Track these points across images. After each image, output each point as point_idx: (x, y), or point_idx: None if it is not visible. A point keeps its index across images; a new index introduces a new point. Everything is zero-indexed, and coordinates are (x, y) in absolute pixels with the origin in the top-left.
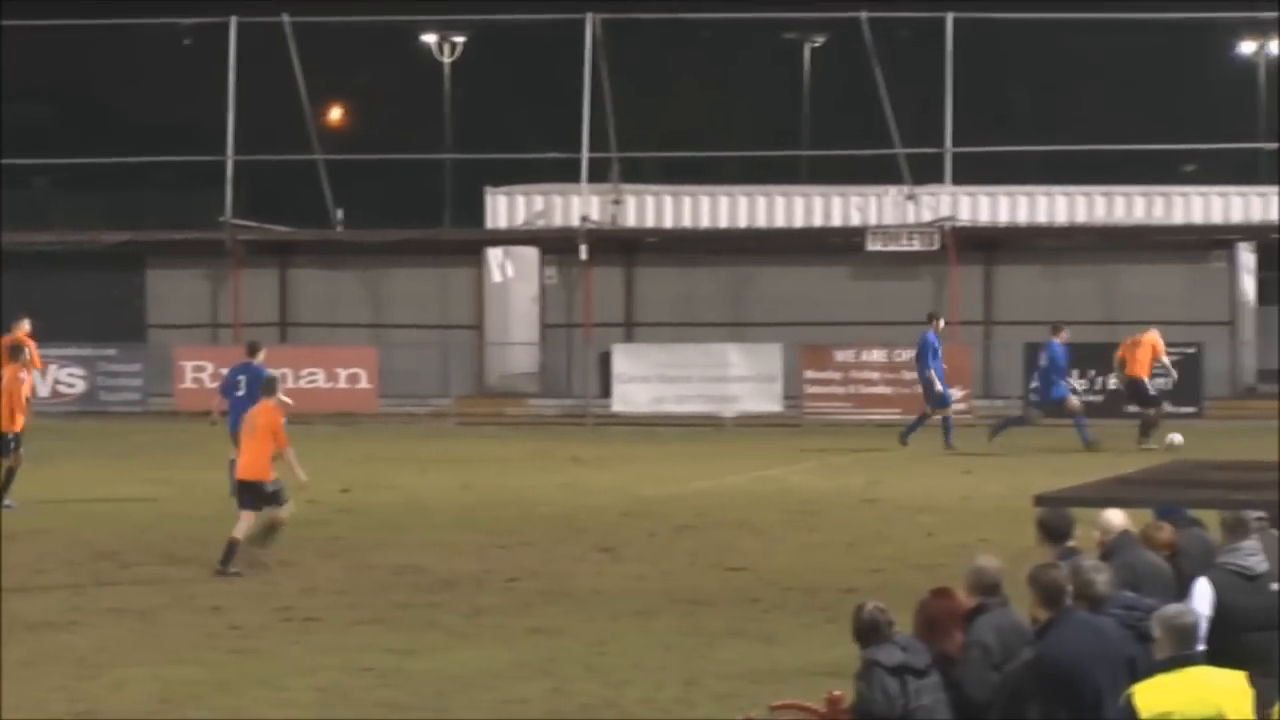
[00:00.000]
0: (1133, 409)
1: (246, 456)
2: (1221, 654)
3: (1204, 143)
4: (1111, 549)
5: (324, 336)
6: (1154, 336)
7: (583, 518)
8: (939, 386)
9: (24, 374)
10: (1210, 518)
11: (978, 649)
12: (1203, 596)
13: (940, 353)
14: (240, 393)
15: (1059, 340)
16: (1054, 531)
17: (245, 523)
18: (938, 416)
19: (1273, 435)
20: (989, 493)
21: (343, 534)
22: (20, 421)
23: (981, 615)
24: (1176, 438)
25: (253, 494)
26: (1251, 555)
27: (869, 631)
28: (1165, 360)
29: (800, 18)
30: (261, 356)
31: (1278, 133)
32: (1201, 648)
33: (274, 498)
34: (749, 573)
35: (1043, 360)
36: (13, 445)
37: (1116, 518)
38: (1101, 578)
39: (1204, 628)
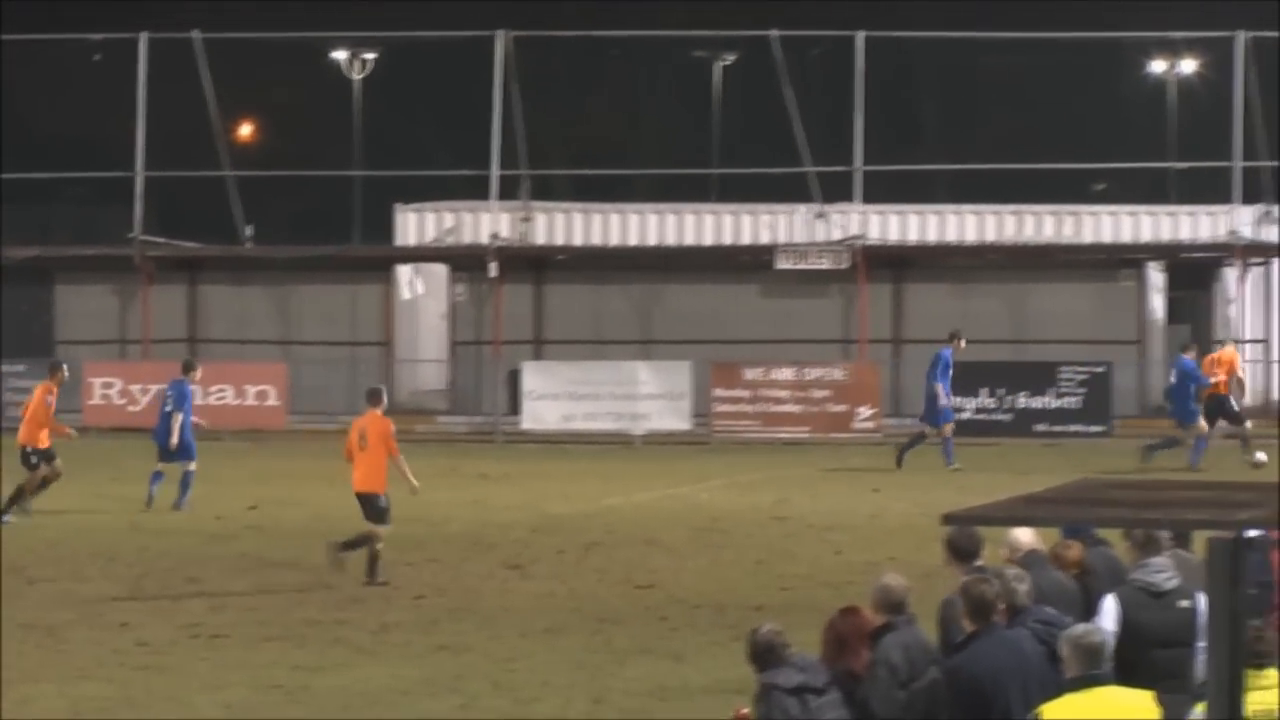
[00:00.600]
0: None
1: (362, 469)
2: (1130, 670)
3: (1114, 162)
4: (1019, 567)
5: (233, 353)
6: (1232, 352)
7: (491, 534)
8: (943, 401)
9: (51, 395)
10: (1114, 536)
11: (885, 667)
12: (1109, 613)
13: (950, 371)
14: (168, 408)
15: (1189, 356)
16: (962, 551)
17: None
18: (939, 435)
19: (1181, 454)
20: (897, 511)
21: (251, 550)
22: (45, 437)
23: (888, 633)
24: (1261, 456)
25: (368, 506)
26: (1159, 572)
27: (765, 654)
28: (1241, 376)
29: (711, 36)
30: (194, 375)
31: (1188, 152)
32: (1109, 666)
33: (384, 515)
34: (658, 590)
35: (1173, 378)
36: (35, 460)
37: (1025, 536)
38: (1023, 588)
39: (1111, 645)
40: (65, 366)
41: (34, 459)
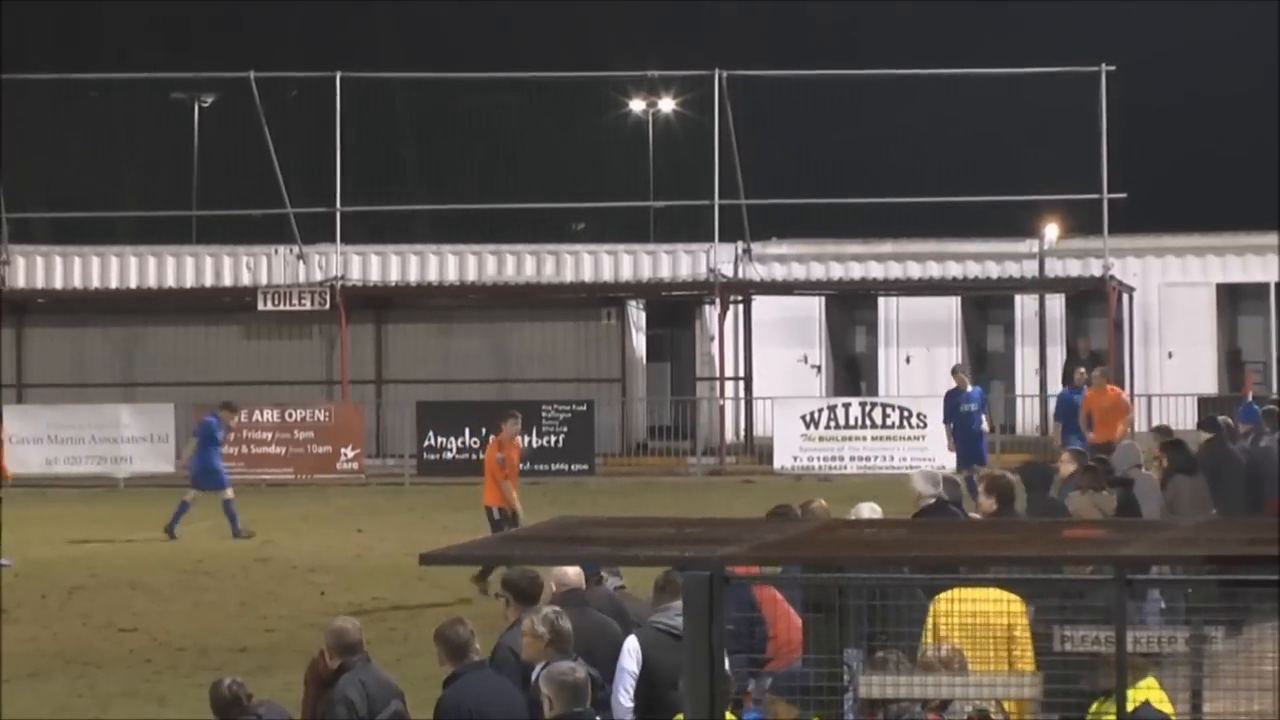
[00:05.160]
0: None
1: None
2: (650, 710)
3: (594, 201)
4: (560, 602)
5: None
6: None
7: None
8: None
9: None
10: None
11: (343, 705)
12: (631, 653)
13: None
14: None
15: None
16: (524, 594)
17: None
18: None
19: (664, 491)
20: (381, 551)
21: None
22: None
23: (345, 674)
24: None
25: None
26: (680, 615)
27: (229, 707)
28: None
29: (190, 78)
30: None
31: (667, 190)
32: (589, 705)
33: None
34: (141, 634)
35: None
36: None
37: (572, 572)
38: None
39: (631, 684)
40: None
41: None
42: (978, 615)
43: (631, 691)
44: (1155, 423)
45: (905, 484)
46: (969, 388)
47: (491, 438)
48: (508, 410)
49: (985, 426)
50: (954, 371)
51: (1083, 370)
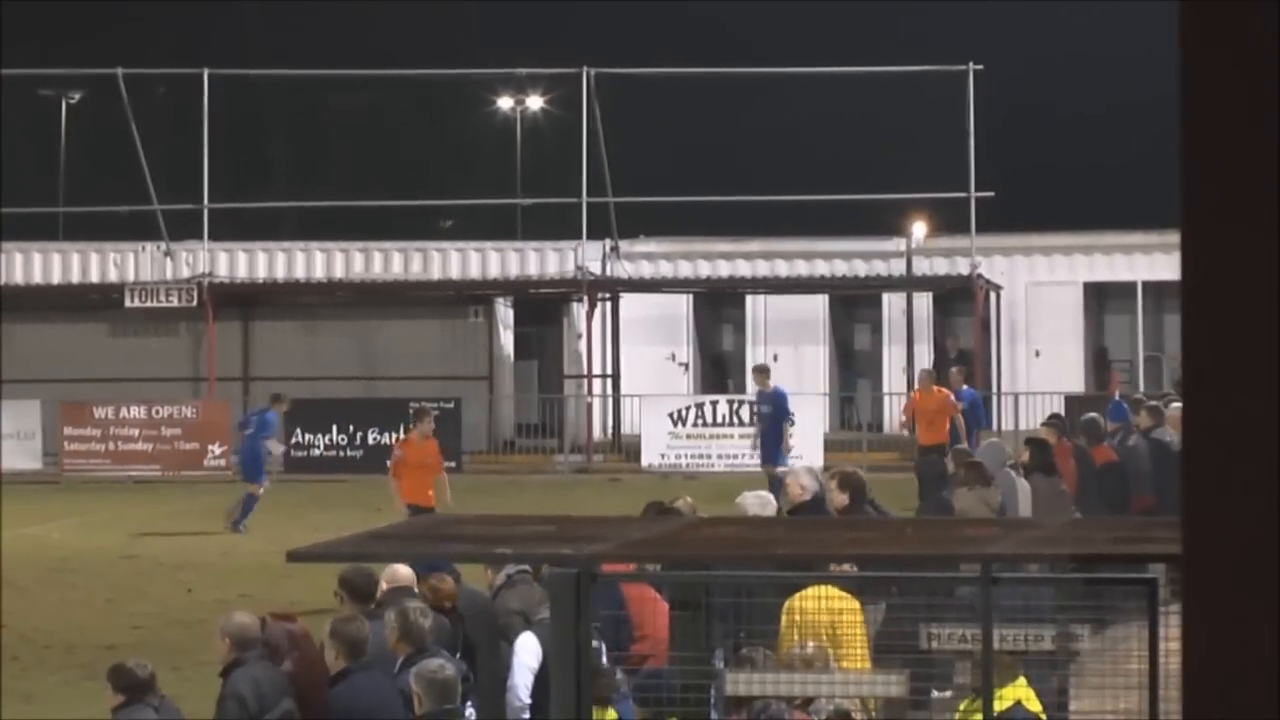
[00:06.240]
0: None
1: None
2: (543, 709)
3: (462, 198)
4: (387, 600)
5: None
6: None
7: None
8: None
9: None
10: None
11: (234, 700)
12: (531, 650)
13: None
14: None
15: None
16: (359, 591)
17: None
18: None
19: (531, 489)
20: (249, 549)
21: None
22: None
23: (239, 668)
24: None
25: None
26: None
27: (142, 687)
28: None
29: (56, 74)
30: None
31: (535, 188)
32: (459, 701)
33: None
34: (7, 630)
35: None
36: None
37: (404, 570)
38: (428, 623)
39: (530, 680)
40: None
41: None
42: (803, 613)
43: (529, 688)
44: (1023, 424)
45: (785, 479)
46: (768, 387)
47: None
48: (422, 407)
49: (789, 429)
50: (753, 370)
51: (957, 369)
